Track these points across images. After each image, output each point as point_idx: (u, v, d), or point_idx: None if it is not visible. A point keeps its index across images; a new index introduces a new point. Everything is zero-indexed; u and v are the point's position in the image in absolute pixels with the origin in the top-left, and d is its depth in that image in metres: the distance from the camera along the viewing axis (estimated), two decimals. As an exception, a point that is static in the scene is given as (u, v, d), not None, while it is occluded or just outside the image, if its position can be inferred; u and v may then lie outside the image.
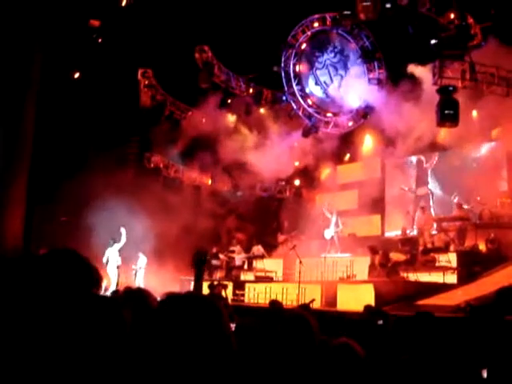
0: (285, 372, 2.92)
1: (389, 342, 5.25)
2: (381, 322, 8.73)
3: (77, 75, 21.74)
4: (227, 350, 1.72)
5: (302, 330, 3.11)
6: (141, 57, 21.34)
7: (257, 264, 22.13)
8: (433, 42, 17.65)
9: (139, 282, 20.22)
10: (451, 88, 16.51)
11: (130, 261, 20.47)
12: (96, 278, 1.82)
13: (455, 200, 20.61)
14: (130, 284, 18.05)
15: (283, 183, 26.83)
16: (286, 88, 23.37)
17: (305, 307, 9.55)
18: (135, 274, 20.55)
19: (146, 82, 22.56)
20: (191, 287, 20.08)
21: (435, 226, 19.04)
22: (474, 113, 20.68)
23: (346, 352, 2.67)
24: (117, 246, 19.09)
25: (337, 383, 2.58)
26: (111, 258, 18.46)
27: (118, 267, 18.24)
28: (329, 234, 21.56)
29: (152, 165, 23.69)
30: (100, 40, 20.46)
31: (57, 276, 1.72)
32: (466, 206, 19.29)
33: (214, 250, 22.68)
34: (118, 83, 20.99)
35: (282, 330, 3.16)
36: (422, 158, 23.20)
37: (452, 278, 16.46)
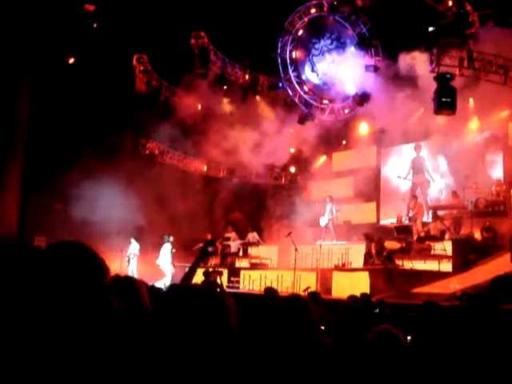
0: (283, 355, 2.88)
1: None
2: (377, 310, 8.73)
3: (72, 60, 21.60)
4: (228, 339, 1.69)
5: (299, 312, 3.07)
6: (136, 42, 21.19)
7: (252, 251, 22.13)
8: (431, 29, 17.57)
9: (132, 269, 20.19)
10: (449, 76, 16.48)
11: (124, 248, 20.45)
12: (103, 270, 1.78)
13: (445, 189, 20.75)
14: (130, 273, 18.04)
15: (278, 170, 26.82)
16: (282, 74, 23.27)
17: (314, 296, 9.57)
18: (128, 261, 20.49)
19: (142, 68, 22.42)
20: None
21: (431, 214, 19.03)
22: (471, 101, 20.67)
23: (389, 339, 2.61)
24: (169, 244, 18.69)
25: (382, 371, 2.54)
26: (165, 253, 18.05)
27: (172, 263, 17.84)
28: (324, 221, 21.53)
29: (147, 151, 23.61)
30: (95, 25, 20.31)
31: (64, 269, 1.68)
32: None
33: (209, 237, 22.65)
34: (114, 68, 20.84)
35: (279, 313, 3.12)
36: (419, 145, 23.15)
37: (447, 267, 16.46)
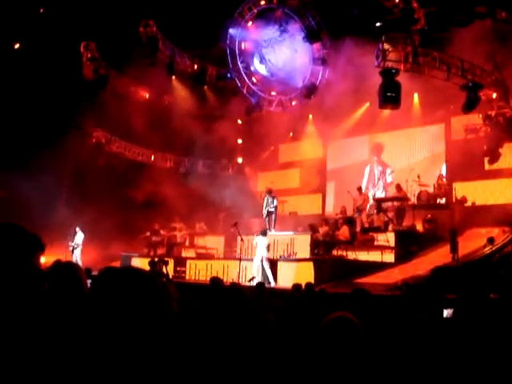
0: (224, 341, 2.96)
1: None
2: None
3: (17, 46, 21.12)
4: (167, 321, 1.72)
5: (238, 301, 3.15)
6: (84, 29, 20.81)
7: (198, 241, 22.15)
8: (377, 24, 17.85)
9: (76, 258, 19.95)
10: (394, 71, 16.75)
11: (68, 237, 20.23)
12: (39, 243, 1.85)
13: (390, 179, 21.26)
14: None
15: (226, 161, 26.86)
16: (230, 65, 23.19)
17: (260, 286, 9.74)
18: (72, 251, 20.26)
19: (89, 55, 22.05)
20: (132, 263, 19.99)
21: (375, 206, 19.37)
22: (416, 96, 21.11)
23: (345, 325, 2.71)
24: None
25: (338, 356, 2.64)
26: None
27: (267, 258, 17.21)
28: (265, 211, 21.32)
29: (94, 140, 23.31)
30: (42, 10, 19.90)
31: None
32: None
33: (156, 227, 22.56)
34: (60, 55, 20.43)
35: (220, 301, 3.19)
36: (365, 139, 23.55)
37: (390, 257, 16.84)
